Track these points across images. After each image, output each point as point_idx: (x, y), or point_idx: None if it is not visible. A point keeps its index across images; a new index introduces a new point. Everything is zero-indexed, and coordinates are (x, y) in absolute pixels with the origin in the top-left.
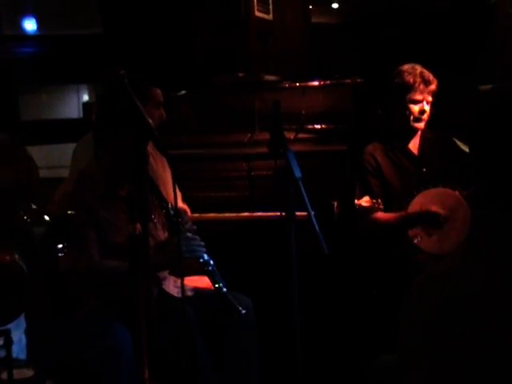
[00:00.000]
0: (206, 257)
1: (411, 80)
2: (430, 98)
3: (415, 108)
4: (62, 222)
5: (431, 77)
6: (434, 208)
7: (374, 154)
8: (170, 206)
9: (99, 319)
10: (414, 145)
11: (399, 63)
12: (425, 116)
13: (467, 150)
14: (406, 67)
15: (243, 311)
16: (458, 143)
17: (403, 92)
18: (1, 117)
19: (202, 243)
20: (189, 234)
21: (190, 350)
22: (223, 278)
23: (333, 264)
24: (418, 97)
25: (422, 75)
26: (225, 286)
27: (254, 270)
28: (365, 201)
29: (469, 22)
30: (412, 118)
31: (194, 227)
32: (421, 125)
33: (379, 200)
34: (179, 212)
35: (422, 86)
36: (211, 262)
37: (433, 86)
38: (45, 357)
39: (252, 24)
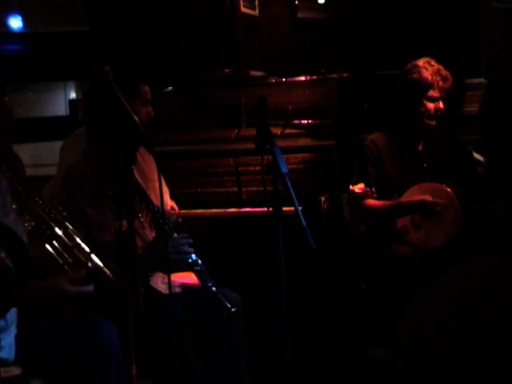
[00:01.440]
0: (194, 257)
1: (430, 77)
2: (445, 95)
3: (431, 105)
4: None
5: (448, 74)
6: (426, 197)
7: (376, 143)
8: (156, 209)
9: (86, 317)
10: (418, 139)
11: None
12: (439, 113)
13: (476, 155)
14: (422, 63)
15: (233, 309)
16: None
17: (421, 89)
18: None
19: (190, 240)
20: (175, 235)
21: (178, 347)
22: (211, 275)
23: (320, 259)
24: (436, 94)
25: (439, 72)
26: (214, 285)
27: (241, 265)
28: (359, 187)
29: (454, 16)
30: (426, 115)
31: (180, 220)
32: (433, 122)
33: (373, 189)
34: (165, 213)
35: (440, 84)
36: (199, 262)
37: (449, 83)
38: (33, 355)
39: (238, 20)
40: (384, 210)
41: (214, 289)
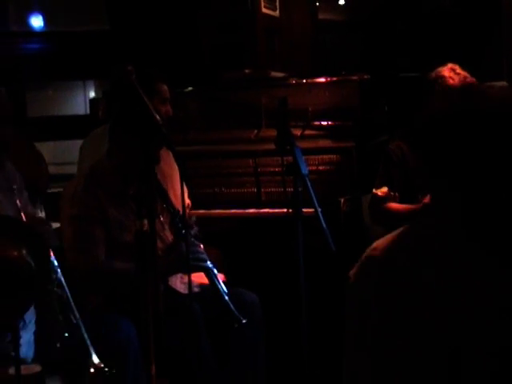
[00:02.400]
0: (209, 264)
1: (450, 81)
2: None
3: None
4: None
5: (474, 81)
6: None
7: (401, 146)
8: (177, 212)
9: (106, 315)
10: None
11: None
12: None
13: None
14: (448, 72)
15: (244, 321)
16: None
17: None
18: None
19: (204, 252)
20: (194, 242)
21: (196, 347)
22: (230, 275)
23: (339, 261)
24: None
25: (466, 81)
26: (227, 294)
27: (260, 266)
28: (382, 191)
29: (475, 17)
30: None
31: (198, 234)
32: None
33: (396, 194)
34: (186, 218)
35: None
36: (214, 271)
37: None
38: (52, 353)
39: (259, 21)
40: (406, 213)
41: (226, 298)
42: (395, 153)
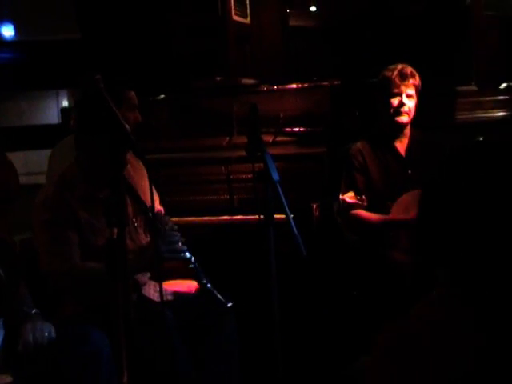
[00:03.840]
0: (188, 254)
1: (389, 74)
2: (409, 92)
3: (394, 101)
4: None
5: (409, 71)
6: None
7: (362, 151)
8: (148, 209)
9: (77, 325)
10: (401, 146)
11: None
12: (405, 109)
13: None
14: (391, 65)
15: (229, 304)
16: None
17: (383, 87)
18: None
19: (183, 239)
20: (170, 233)
21: (170, 354)
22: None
23: (312, 266)
24: (396, 90)
25: (400, 70)
26: (208, 282)
27: (233, 272)
28: (349, 196)
29: (445, 24)
30: (392, 111)
31: (175, 227)
32: (402, 119)
33: (363, 197)
34: (159, 214)
35: (398, 80)
36: (193, 259)
37: (411, 80)
38: (22, 362)
39: (230, 28)
40: (378, 224)
41: (208, 285)
42: (356, 158)
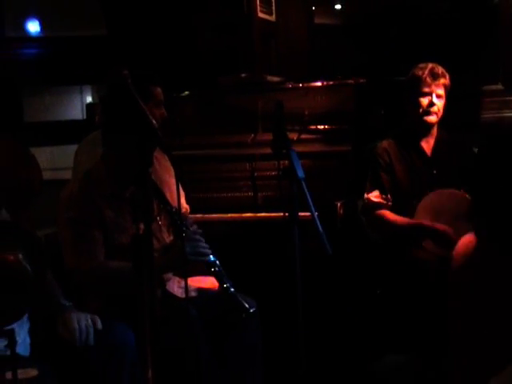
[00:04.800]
0: (211, 258)
1: (419, 73)
2: (440, 92)
3: (424, 101)
4: None
5: (440, 70)
6: (448, 230)
7: (387, 150)
8: (174, 210)
9: (102, 319)
10: (428, 145)
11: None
12: (434, 109)
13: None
14: (421, 64)
15: (251, 310)
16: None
17: (413, 86)
18: (5, 118)
19: (207, 246)
20: (194, 236)
21: (194, 351)
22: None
23: (336, 264)
24: (426, 89)
25: (431, 69)
26: (232, 286)
27: (257, 270)
28: (374, 195)
29: (472, 22)
30: (421, 110)
31: (200, 230)
32: (431, 118)
33: (389, 196)
34: (183, 215)
35: (429, 79)
36: (217, 263)
37: (442, 80)
38: (48, 356)
39: (255, 25)
40: (402, 226)
41: (232, 290)
42: (382, 157)
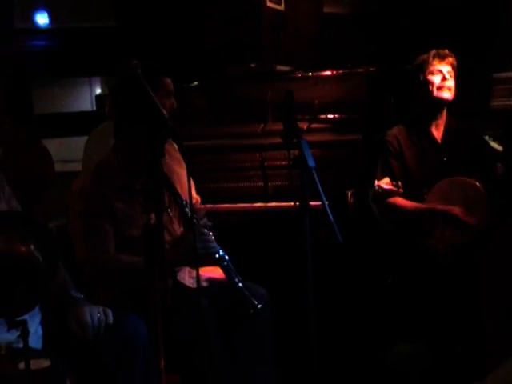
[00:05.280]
0: (221, 252)
1: (425, 56)
2: (449, 69)
3: (436, 78)
4: None
5: (446, 51)
6: (458, 212)
7: (397, 137)
8: (184, 203)
9: (114, 311)
10: (438, 133)
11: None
12: (448, 84)
13: (492, 143)
14: (429, 58)
15: (259, 306)
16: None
17: (421, 70)
18: (14, 110)
19: (213, 240)
20: (203, 230)
21: (205, 341)
22: (238, 269)
23: (347, 253)
24: (436, 68)
25: (436, 50)
26: (240, 281)
27: (268, 260)
28: (385, 182)
29: (482, 10)
30: (435, 88)
31: (209, 223)
32: (446, 95)
33: (399, 183)
34: (194, 208)
35: (436, 60)
36: (226, 258)
37: (449, 59)
38: (60, 347)
39: (264, 14)
40: (413, 212)
41: (240, 285)
42: (392, 144)
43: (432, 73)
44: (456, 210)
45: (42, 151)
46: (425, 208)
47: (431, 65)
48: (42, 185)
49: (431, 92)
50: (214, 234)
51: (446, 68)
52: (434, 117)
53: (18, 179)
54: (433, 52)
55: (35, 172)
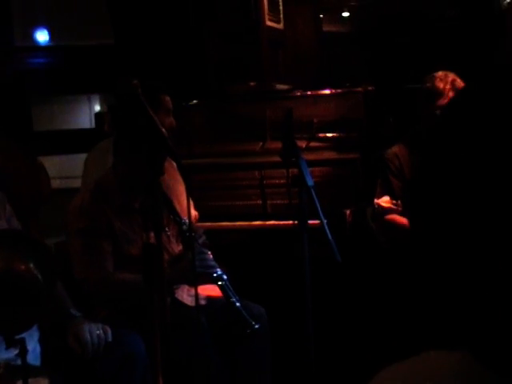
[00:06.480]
0: (219, 271)
1: (441, 86)
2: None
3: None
4: None
5: (462, 84)
6: None
7: (398, 155)
8: (183, 221)
9: (112, 328)
10: None
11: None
12: None
13: None
14: (440, 73)
15: (256, 326)
16: None
17: (432, 97)
18: (14, 127)
19: (212, 259)
20: (202, 249)
21: (203, 360)
22: (237, 288)
23: (345, 272)
24: (447, 102)
25: (453, 83)
26: (238, 301)
27: (266, 278)
28: (384, 201)
29: (479, 29)
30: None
31: (207, 242)
32: None
33: (399, 201)
34: (193, 226)
35: (451, 94)
36: (224, 277)
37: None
38: (59, 365)
39: (263, 33)
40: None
41: (237, 304)
42: (392, 162)
43: (442, 107)
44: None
45: (38, 168)
46: None
47: (444, 98)
48: (38, 202)
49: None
50: (212, 253)
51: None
52: None
53: (13, 196)
54: (449, 83)
55: (30, 189)
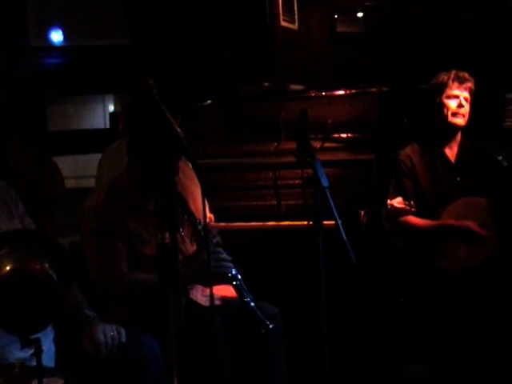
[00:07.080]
0: (233, 271)
1: (445, 78)
2: (466, 95)
3: (452, 103)
4: None
5: (466, 75)
6: (471, 224)
7: (411, 156)
8: (198, 221)
9: (127, 329)
10: (451, 153)
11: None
12: (463, 111)
13: (505, 163)
14: (445, 71)
15: (271, 326)
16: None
17: (438, 91)
18: (28, 127)
19: (229, 258)
20: (217, 249)
21: (218, 360)
22: (251, 288)
23: (360, 273)
24: (454, 92)
25: (455, 74)
26: (252, 301)
27: (281, 279)
28: (397, 202)
29: (494, 30)
30: (450, 113)
31: (221, 242)
32: (460, 121)
33: (412, 202)
34: (208, 226)
35: (456, 83)
36: (239, 277)
37: (468, 84)
38: (73, 366)
39: (277, 34)
40: (426, 229)
41: (252, 304)
42: (405, 163)
43: (449, 97)
44: (468, 223)
45: (52, 168)
46: (437, 224)
47: (449, 88)
48: (52, 202)
49: (446, 116)
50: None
51: (463, 94)
52: (447, 139)
53: (28, 196)
54: (453, 74)
55: (45, 189)
